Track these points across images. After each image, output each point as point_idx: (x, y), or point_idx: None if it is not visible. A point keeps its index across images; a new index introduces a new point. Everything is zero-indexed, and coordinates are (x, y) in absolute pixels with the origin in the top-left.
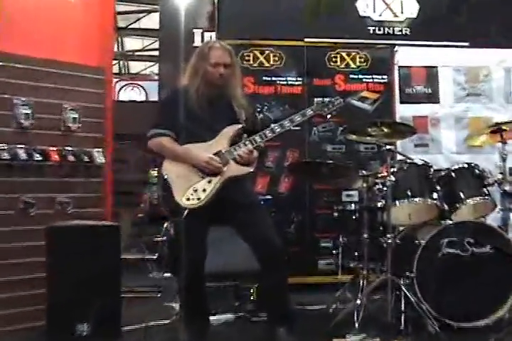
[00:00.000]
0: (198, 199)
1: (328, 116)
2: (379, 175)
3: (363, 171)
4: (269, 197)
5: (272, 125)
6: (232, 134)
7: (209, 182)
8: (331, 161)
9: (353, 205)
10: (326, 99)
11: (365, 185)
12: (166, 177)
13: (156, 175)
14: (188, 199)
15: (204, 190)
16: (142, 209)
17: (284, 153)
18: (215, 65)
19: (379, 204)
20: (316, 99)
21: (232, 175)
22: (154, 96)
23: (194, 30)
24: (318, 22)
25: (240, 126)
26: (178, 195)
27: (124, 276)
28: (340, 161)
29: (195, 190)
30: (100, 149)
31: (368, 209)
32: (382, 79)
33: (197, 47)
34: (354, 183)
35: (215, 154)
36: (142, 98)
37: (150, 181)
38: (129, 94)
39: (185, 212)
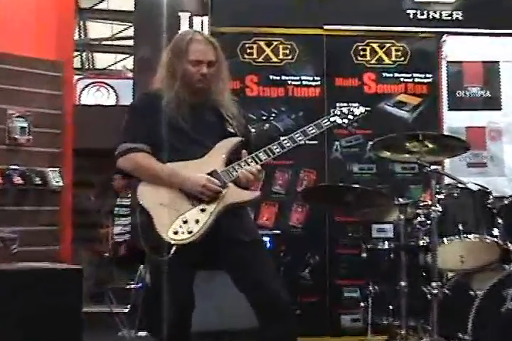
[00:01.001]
0: (190, 232)
1: (351, 128)
2: (421, 204)
3: (400, 199)
4: (277, 231)
5: (281, 138)
6: (229, 150)
7: (202, 210)
8: (357, 185)
9: (386, 243)
10: (345, 108)
11: (402, 216)
12: (144, 205)
13: (124, 202)
14: (176, 232)
15: (197, 222)
16: (109, 246)
17: (296, 174)
18: (196, 63)
19: (421, 243)
20: (338, 105)
21: (232, 203)
22: (127, 99)
23: (180, 14)
24: (341, 4)
25: (238, 139)
26: (162, 228)
27: (87, 334)
28: (370, 185)
29: (185, 222)
30: (57, 168)
31: (406, 249)
32: (426, 78)
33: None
34: (388, 214)
35: (210, 174)
36: (112, 101)
37: (117, 211)
38: (95, 96)
39: (173, 249)
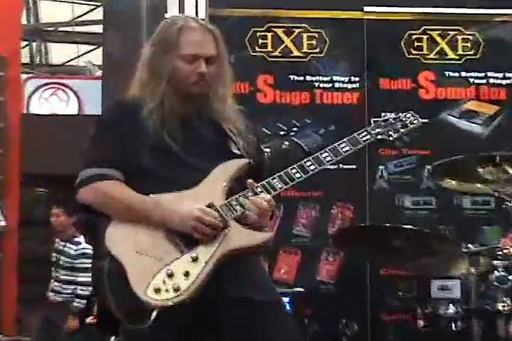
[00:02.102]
0: (176, 290)
1: (400, 144)
2: (499, 253)
3: (470, 245)
4: (299, 289)
5: (304, 160)
6: (232, 176)
7: (194, 259)
8: (410, 226)
9: (451, 307)
10: (391, 116)
11: (473, 270)
12: (114, 253)
13: (66, 248)
14: (159, 290)
15: (186, 274)
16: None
17: (327, 210)
18: (191, 60)
19: (500, 306)
20: (383, 115)
21: (236, 248)
22: (93, 107)
23: None
24: None
25: (244, 161)
26: (139, 285)
27: None
28: (428, 226)
29: (171, 275)
30: None
31: (479, 315)
32: (505, 78)
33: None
34: (453, 267)
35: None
36: (73, 109)
37: (55, 258)
38: (49, 102)
39: (153, 314)
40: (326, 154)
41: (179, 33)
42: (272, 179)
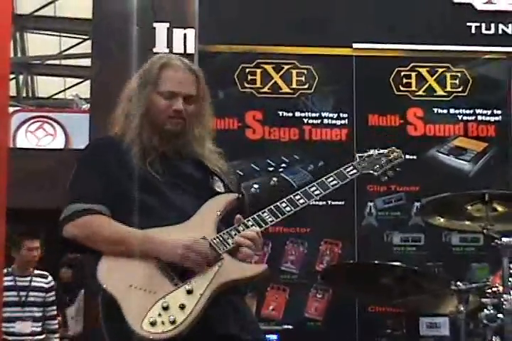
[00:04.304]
0: (172, 322)
1: (384, 177)
2: (488, 291)
3: (459, 283)
4: (287, 326)
5: (293, 194)
6: (223, 210)
7: (189, 292)
8: (399, 263)
9: None
10: (375, 151)
11: (462, 308)
12: (107, 289)
13: (50, 282)
14: (154, 323)
15: (182, 307)
16: None
17: (315, 247)
18: (168, 96)
19: None
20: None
21: (230, 280)
22: (81, 141)
23: (156, 25)
24: (376, 15)
25: (234, 195)
26: (134, 319)
27: None
28: (417, 264)
29: (166, 308)
30: None
31: None
32: (493, 115)
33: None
34: (442, 304)
35: None
36: (59, 143)
37: (26, 296)
38: (36, 135)
39: None
40: (315, 188)
41: (160, 70)
42: (263, 213)
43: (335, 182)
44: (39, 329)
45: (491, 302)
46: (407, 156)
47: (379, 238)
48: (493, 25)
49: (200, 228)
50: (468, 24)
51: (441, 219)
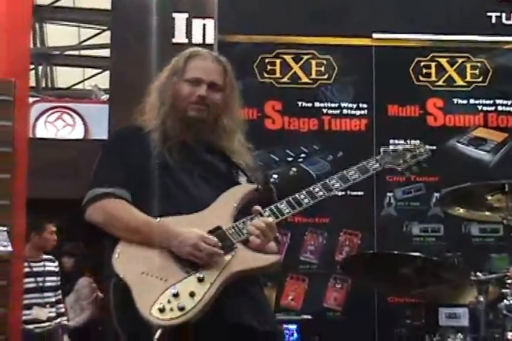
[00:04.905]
0: (181, 309)
1: (408, 174)
2: (508, 281)
3: (479, 273)
4: (306, 316)
5: (312, 186)
6: (240, 200)
7: (200, 280)
8: (418, 253)
9: (459, 335)
10: (400, 145)
11: (482, 298)
12: (121, 274)
13: (57, 266)
14: (163, 310)
15: (192, 295)
16: None
17: (334, 237)
18: (193, 83)
19: (509, 335)
20: (392, 142)
21: (242, 270)
22: (100, 131)
23: (175, 16)
24: (396, 5)
25: (253, 186)
26: (144, 305)
27: None
28: (436, 254)
29: (176, 295)
30: (3, 228)
31: None
32: None
33: (179, 44)
34: (462, 295)
35: (210, 233)
36: (78, 134)
37: (43, 282)
38: (55, 126)
39: (158, 333)
40: (335, 181)
41: (188, 59)
42: (280, 204)
43: (356, 175)
44: (54, 314)
45: (511, 292)
46: (426, 147)
47: (398, 228)
48: None
49: (217, 218)
50: (488, 14)
51: (461, 210)
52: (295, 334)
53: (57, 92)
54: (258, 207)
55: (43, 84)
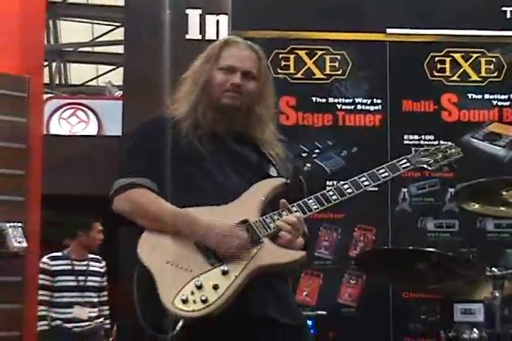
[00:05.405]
0: (204, 301)
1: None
2: None
3: (494, 268)
4: (321, 312)
5: (342, 183)
6: (268, 194)
7: (224, 273)
8: (433, 249)
9: (475, 331)
10: (432, 147)
11: (497, 293)
12: (145, 263)
13: (103, 267)
14: (186, 301)
15: (215, 287)
16: None
17: (349, 233)
18: (228, 70)
19: None
20: (406, 138)
21: (267, 265)
22: (114, 128)
23: (188, 12)
24: (410, 0)
25: (281, 180)
26: (167, 295)
27: None
28: (451, 250)
29: (199, 287)
30: (18, 224)
31: (504, 339)
32: None
33: (192, 40)
34: (477, 290)
35: (239, 224)
36: (92, 130)
37: (84, 281)
38: (69, 122)
39: (179, 324)
40: (364, 178)
41: (222, 47)
42: (308, 199)
43: (386, 174)
44: (95, 314)
45: None
46: (441, 142)
47: (413, 224)
48: None
49: (244, 211)
50: (503, 8)
51: (476, 205)
52: (310, 330)
53: (71, 89)
54: (285, 201)
55: (57, 81)
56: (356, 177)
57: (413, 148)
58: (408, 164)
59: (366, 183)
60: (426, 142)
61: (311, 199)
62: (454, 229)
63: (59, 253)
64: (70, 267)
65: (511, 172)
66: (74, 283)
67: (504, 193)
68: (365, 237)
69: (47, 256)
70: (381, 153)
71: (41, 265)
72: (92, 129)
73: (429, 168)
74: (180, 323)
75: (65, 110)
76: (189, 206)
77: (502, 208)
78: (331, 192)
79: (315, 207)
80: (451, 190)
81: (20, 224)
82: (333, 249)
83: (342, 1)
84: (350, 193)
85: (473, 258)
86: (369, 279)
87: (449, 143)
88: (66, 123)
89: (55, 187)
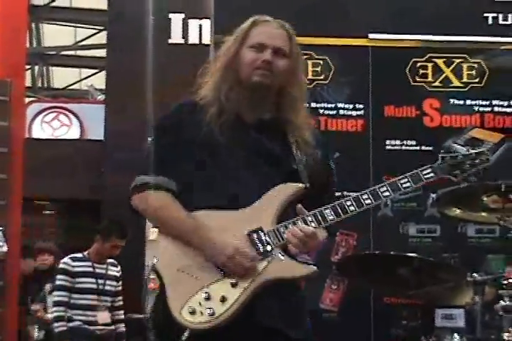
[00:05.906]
0: (211, 314)
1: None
2: (504, 282)
3: (475, 274)
4: None
5: (361, 192)
6: (285, 200)
7: (234, 285)
8: (414, 254)
9: (456, 336)
10: (459, 153)
11: (478, 299)
12: (158, 268)
13: (119, 271)
14: (194, 312)
15: (223, 300)
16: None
17: (330, 237)
18: (259, 48)
19: (506, 337)
20: (389, 143)
21: (277, 278)
22: (96, 131)
23: (171, 16)
24: (392, 5)
25: (298, 186)
26: (175, 304)
27: None
28: (433, 255)
29: (208, 298)
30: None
31: None
32: (510, 106)
33: (175, 44)
34: (458, 296)
35: (252, 232)
36: (74, 134)
37: (103, 285)
38: (51, 126)
39: (185, 334)
40: (385, 188)
41: (251, 26)
42: (325, 209)
43: (408, 184)
44: (109, 319)
45: (508, 293)
46: (423, 147)
47: (394, 229)
48: (510, 15)
49: (260, 217)
50: (485, 15)
51: (458, 211)
52: None
53: (54, 92)
54: (301, 207)
55: (39, 85)
56: (376, 187)
57: (440, 155)
58: (432, 174)
59: (386, 194)
60: (408, 147)
61: (327, 209)
62: (435, 235)
63: (79, 255)
64: (91, 269)
65: (492, 178)
66: (94, 286)
67: (485, 199)
68: (347, 242)
69: (68, 257)
70: (363, 158)
71: (62, 266)
72: (74, 133)
73: (454, 180)
74: (186, 333)
75: (48, 114)
76: (197, 198)
77: (483, 214)
78: (348, 202)
79: (331, 217)
80: (433, 195)
81: (0, 228)
82: (315, 254)
83: (324, 6)
84: (368, 204)
85: (454, 264)
86: (350, 284)
87: (480, 149)
88: (48, 126)
89: (37, 191)
